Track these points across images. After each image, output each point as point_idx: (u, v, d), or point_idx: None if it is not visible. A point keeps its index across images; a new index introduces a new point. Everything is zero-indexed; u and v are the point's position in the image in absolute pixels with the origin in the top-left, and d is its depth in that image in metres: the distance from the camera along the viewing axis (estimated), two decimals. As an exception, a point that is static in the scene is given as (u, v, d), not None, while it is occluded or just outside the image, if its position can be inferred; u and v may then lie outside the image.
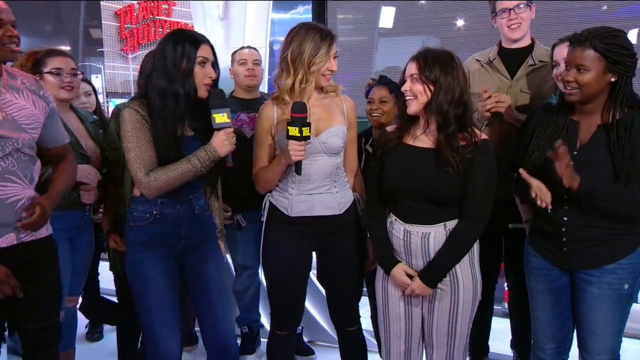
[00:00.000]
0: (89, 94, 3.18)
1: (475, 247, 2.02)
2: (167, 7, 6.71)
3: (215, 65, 2.04)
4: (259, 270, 2.95)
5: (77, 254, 2.49)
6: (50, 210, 1.98)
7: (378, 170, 2.04)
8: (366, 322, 2.62)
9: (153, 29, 6.72)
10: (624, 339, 2.02)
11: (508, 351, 2.83)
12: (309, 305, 3.28)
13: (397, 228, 2.01)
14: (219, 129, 1.96)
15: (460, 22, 3.73)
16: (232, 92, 3.01)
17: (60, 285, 2.12)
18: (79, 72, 2.47)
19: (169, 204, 2.06)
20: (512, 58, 2.48)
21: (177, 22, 6.75)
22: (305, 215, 2.14)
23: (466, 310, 2.00)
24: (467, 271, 2.00)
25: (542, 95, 2.42)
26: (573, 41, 1.87)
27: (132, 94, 4.41)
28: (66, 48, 7.95)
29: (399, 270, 2.00)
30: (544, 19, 3.19)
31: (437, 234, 1.96)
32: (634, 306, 2.05)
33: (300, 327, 3.16)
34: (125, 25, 6.63)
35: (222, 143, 1.96)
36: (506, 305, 2.96)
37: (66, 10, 7.78)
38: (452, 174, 1.89)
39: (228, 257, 2.31)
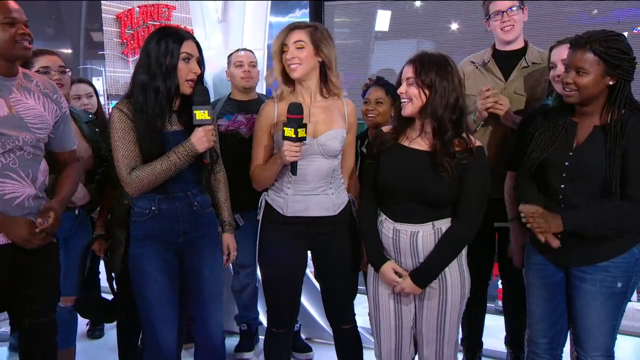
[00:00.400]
0: (91, 96, 3.18)
1: None
2: (166, 10, 6.70)
3: (200, 61, 2.04)
4: (257, 269, 2.94)
5: (70, 254, 2.47)
6: (61, 214, 1.99)
7: (373, 170, 2.04)
8: (363, 320, 2.62)
9: (153, 32, 6.70)
10: (618, 336, 2.02)
11: (502, 348, 2.83)
12: (306, 303, 3.28)
13: (387, 227, 2.02)
14: (198, 125, 1.98)
15: (454, 26, 3.74)
16: (229, 95, 3.01)
17: (59, 284, 2.12)
18: (67, 69, 2.46)
19: (166, 200, 2.07)
20: (505, 60, 2.49)
21: (177, 26, 6.74)
22: (300, 215, 2.13)
23: (454, 308, 2.01)
24: (455, 270, 2.00)
25: (535, 97, 2.43)
26: (573, 44, 1.87)
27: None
28: (67, 51, 7.94)
29: (387, 268, 2.01)
30: (536, 22, 3.20)
31: (425, 233, 1.96)
32: (629, 304, 2.05)
33: (297, 325, 3.16)
34: (126, 29, 6.62)
35: (200, 139, 1.98)
36: (500, 302, 2.96)
37: (67, 13, 7.78)
38: (447, 178, 1.89)
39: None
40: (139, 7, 6.64)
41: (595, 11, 3.23)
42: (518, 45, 2.49)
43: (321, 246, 2.20)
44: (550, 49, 2.20)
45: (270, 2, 3.47)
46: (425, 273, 1.96)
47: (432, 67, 1.87)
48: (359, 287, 2.37)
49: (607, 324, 1.94)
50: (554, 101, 2.24)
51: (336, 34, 4.06)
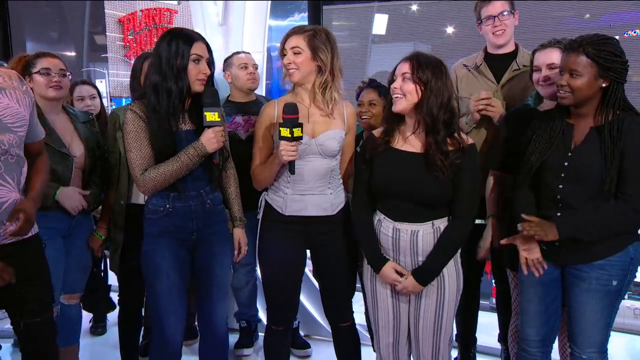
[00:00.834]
0: (94, 97, 3.18)
1: None
2: (168, 14, 6.71)
3: (210, 62, 2.06)
4: (256, 267, 2.95)
5: (72, 252, 2.45)
6: (35, 212, 1.92)
7: (366, 174, 2.04)
8: (360, 317, 2.62)
9: (155, 35, 6.72)
10: (611, 333, 2.03)
11: (496, 344, 2.84)
12: (305, 300, 3.28)
13: (386, 226, 2.02)
14: (208, 127, 1.99)
15: (450, 29, 3.75)
16: (227, 96, 3.01)
17: (51, 281, 2.08)
18: (68, 73, 2.44)
19: (180, 198, 2.08)
20: (497, 63, 2.51)
21: (179, 29, 6.74)
22: (299, 215, 2.14)
23: (451, 304, 2.02)
24: (452, 267, 2.01)
25: (526, 99, 2.43)
26: (567, 47, 1.88)
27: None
28: (71, 53, 7.94)
29: (388, 269, 2.01)
30: (529, 26, 3.21)
31: (425, 232, 1.97)
32: (621, 302, 2.05)
33: (296, 322, 3.16)
34: (129, 32, 6.63)
35: (209, 140, 1.99)
36: (494, 300, 2.97)
37: (71, 17, 7.77)
38: (442, 178, 1.89)
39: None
40: (141, 10, 6.65)
41: (588, 15, 3.25)
42: (509, 48, 2.51)
43: (319, 245, 2.21)
44: (533, 53, 2.20)
45: (269, 3, 3.47)
46: (428, 271, 1.97)
47: (428, 66, 1.89)
48: (358, 285, 2.38)
49: (602, 321, 1.94)
50: (534, 101, 2.26)
51: (335, 37, 4.07)
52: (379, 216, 2.06)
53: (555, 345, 2.17)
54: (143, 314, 3.15)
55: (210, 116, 1.99)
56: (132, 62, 2.58)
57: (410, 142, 1.99)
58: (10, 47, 4.57)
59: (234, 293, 3.11)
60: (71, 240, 2.45)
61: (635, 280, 3.42)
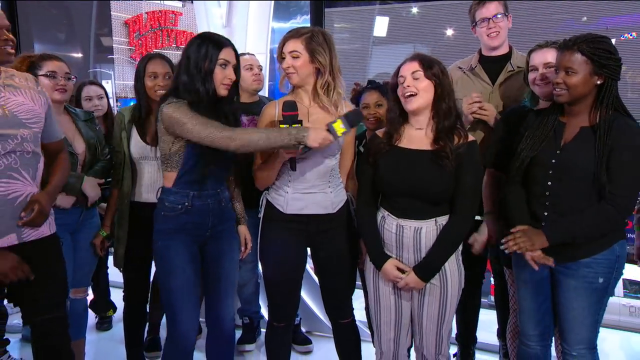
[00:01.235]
0: (101, 97, 3.19)
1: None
2: (173, 16, 6.72)
3: (236, 68, 2.06)
4: (259, 264, 2.95)
5: (80, 248, 2.48)
6: (50, 206, 1.97)
7: (371, 174, 2.05)
8: (360, 314, 2.63)
9: (160, 37, 6.73)
10: (602, 329, 2.03)
11: (495, 340, 2.84)
12: (306, 297, 3.29)
13: (390, 223, 2.02)
14: (328, 130, 1.95)
15: (449, 32, 3.75)
16: None
17: (66, 278, 2.11)
18: (72, 77, 2.46)
19: (200, 196, 2.09)
20: (492, 65, 2.51)
21: (183, 31, 6.76)
22: (300, 213, 2.14)
23: (453, 300, 2.03)
24: (453, 264, 2.02)
25: (521, 99, 2.44)
26: (562, 46, 1.90)
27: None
28: (78, 55, 7.96)
29: (390, 266, 2.01)
30: (528, 28, 3.22)
31: (428, 229, 1.97)
32: (611, 299, 2.06)
33: (298, 318, 3.17)
34: (134, 34, 6.64)
35: (318, 136, 1.92)
36: (492, 297, 2.97)
37: (78, 19, 7.79)
38: (446, 168, 1.90)
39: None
40: (146, 13, 6.66)
41: (585, 18, 3.25)
42: (503, 50, 2.51)
43: (320, 243, 2.21)
44: (529, 53, 2.21)
45: (272, 5, 3.48)
46: (429, 267, 1.98)
47: (434, 63, 1.94)
48: (357, 282, 2.38)
49: (589, 318, 1.95)
50: (530, 102, 2.26)
51: (336, 39, 4.07)
52: (382, 213, 2.06)
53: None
54: (148, 310, 3.17)
55: (339, 127, 1.94)
56: (137, 63, 2.58)
57: (415, 140, 2.00)
58: (18, 48, 4.58)
59: (237, 290, 3.12)
60: (78, 236, 2.48)
61: (632, 278, 3.45)
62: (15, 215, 1.88)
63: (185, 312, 2.09)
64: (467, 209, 1.97)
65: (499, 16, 2.43)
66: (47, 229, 2.01)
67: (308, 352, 3.10)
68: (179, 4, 6.88)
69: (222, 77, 2.02)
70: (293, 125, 1.96)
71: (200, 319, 3.05)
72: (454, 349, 2.76)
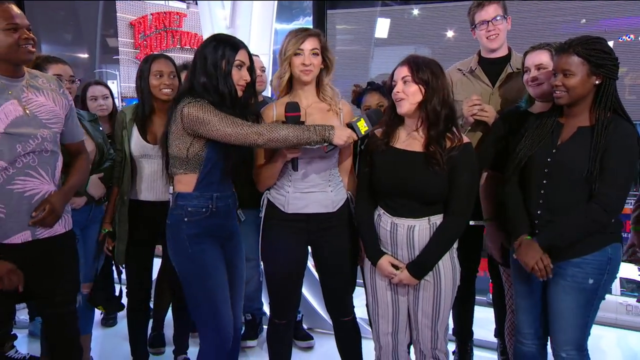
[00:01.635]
0: (107, 97, 3.19)
1: None
2: (178, 18, 6.73)
3: (251, 69, 2.06)
4: (260, 262, 2.95)
5: (87, 243, 2.51)
6: (63, 206, 1.98)
7: (368, 173, 2.07)
8: (362, 311, 2.63)
9: (165, 38, 6.74)
10: (599, 327, 2.02)
11: (493, 338, 2.84)
12: (308, 294, 3.30)
13: (385, 220, 2.04)
14: (352, 127, 1.97)
15: (450, 33, 3.75)
16: None
17: (78, 275, 2.14)
18: (76, 80, 2.49)
19: (221, 198, 2.08)
20: (492, 67, 2.51)
21: (187, 32, 6.77)
22: (300, 212, 2.14)
23: (447, 297, 2.04)
24: (447, 262, 2.03)
25: (520, 101, 2.44)
26: (558, 50, 1.91)
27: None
28: (84, 55, 7.98)
29: (384, 262, 2.03)
30: (527, 31, 3.21)
31: (421, 227, 1.99)
32: (608, 297, 2.05)
33: (300, 315, 3.17)
34: (139, 35, 6.65)
35: (343, 134, 1.94)
36: (490, 296, 2.97)
37: (84, 20, 7.81)
38: (438, 172, 1.92)
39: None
40: (151, 14, 6.67)
41: (584, 20, 3.24)
42: (502, 52, 2.51)
43: (320, 241, 2.21)
44: (525, 54, 2.21)
45: (275, 5, 3.48)
46: (421, 266, 1.99)
47: (426, 66, 1.92)
48: (358, 280, 2.38)
49: (578, 319, 1.94)
50: (527, 102, 2.27)
51: (338, 40, 4.08)
52: (379, 211, 2.08)
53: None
54: (152, 307, 3.17)
55: (362, 125, 1.97)
56: (140, 62, 2.58)
57: (410, 141, 2.01)
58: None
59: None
60: (88, 232, 2.51)
61: (628, 277, 3.45)
62: (31, 213, 1.91)
63: (225, 308, 2.07)
64: (462, 210, 1.98)
65: (498, 18, 2.43)
66: (62, 227, 2.04)
67: (309, 348, 3.11)
68: (184, 5, 6.90)
69: (238, 78, 2.01)
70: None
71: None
72: (453, 346, 2.77)
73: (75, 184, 2.09)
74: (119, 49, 6.55)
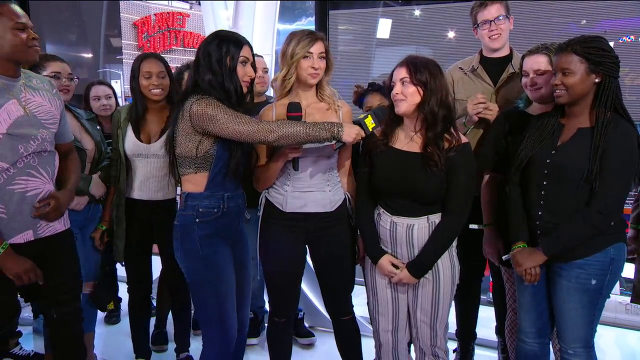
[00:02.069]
0: (110, 97, 3.20)
1: None
2: (181, 18, 6.73)
3: (253, 65, 2.05)
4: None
5: (87, 242, 2.50)
6: (67, 205, 2.00)
7: (367, 173, 2.07)
8: (362, 309, 2.63)
9: (168, 38, 6.75)
10: (598, 326, 2.02)
11: (493, 337, 2.84)
12: (309, 293, 3.30)
13: (384, 219, 2.04)
14: (359, 124, 1.96)
15: (451, 34, 3.75)
16: None
17: (80, 273, 2.14)
18: (75, 77, 2.49)
19: (232, 197, 2.05)
20: (493, 66, 2.51)
21: (190, 32, 6.78)
22: (299, 211, 2.14)
23: (446, 295, 2.04)
24: (446, 261, 2.03)
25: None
26: (557, 50, 1.91)
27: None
28: (88, 55, 7.99)
29: (385, 261, 2.03)
30: (528, 32, 3.21)
31: (420, 226, 1.99)
32: (612, 296, 2.05)
33: (301, 313, 3.18)
34: (143, 35, 6.66)
35: (352, 131, 1.93)
36: (491, 294, 2.97)
37: (88, 20, 7.82)
38: (436, 172, 1.92)
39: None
40: (155, 15, 6.67)
41: (584, 21, 3.24)
42: (504, 52, 2.51)
43: (318, 241, 2.20)
44: (523, 58, 2.21)
45: (278, 5, 3.48)
46: (421, 265, 1.99)
47: (424, 68, 1.92)
48: (358, 279, 2.38)
49: (584, 317, 1.94)
50: (525, 103, 2.27)
51: (340, 40, 4.08)
52: (378, 210, 2.09)
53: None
54: (155, 305, 3.18)
55: (369, 122, 1.96)
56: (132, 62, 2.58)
57: (408, 142, 2.01)
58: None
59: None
60: (86, 231, 2.51)
61: (627, 277, 3.44)
62: (33, 212, 1.91)
63: (232, 314, 2.06)
64: (460, 209, 1.98)
65: (500, 18, 2.43)
66: (62, 225, 2.04)
67: (311, 345, 3.11)
68: (187, 5, 6.90)
69: (242, 74, 2.00)
70: None
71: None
72: (454, 345, 2.77)
73: (76, 183, 2.10)
74: (123, 49, 6.56)
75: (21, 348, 2.93)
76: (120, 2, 6.42)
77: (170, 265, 2.53)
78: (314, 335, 3.15)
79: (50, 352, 2.19)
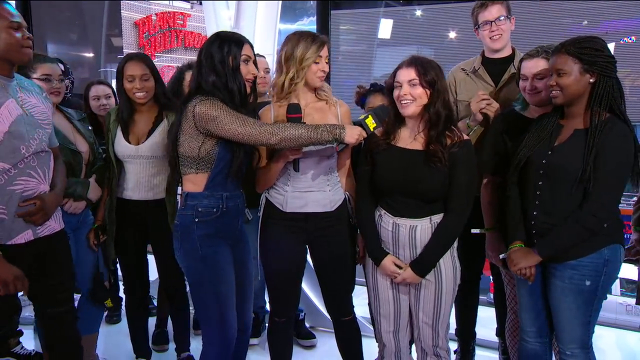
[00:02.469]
0: (109, 97, 3.20)
1: None
2: (182, 17, 6.73)
3: (255, 64, 2.06)
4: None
5: (80, 246, 2.47)
6: (54, 208, 1.98)
7: (368, 172, 2.07)
8: (363, 310, 2.63)
9: (169, 38, 6.75)
10: (598, 327, 2.03)
11: (494, 338, 2.84)
12: (310, 293, 3.30)
13: (386, 221, 2.04)
14: (361, 125, 1.96)
15: (452, 34, 3.75)
16: None
17: (74, 273, 2.15)
18: (66, 79, 2.48)
19: (231, 197, 2.06)
20: (495, 67, 2.51)
21: (191, 32, 6.78)
22: (299, 211, 2.14)
23: (448, 295, 2.05)
24: (448, 261, 2.03)
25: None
26: (552, 52, 1.93)
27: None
28: (89, 55, 7.99)
29: (388, 262, 2.04)
30: (530, 33, 3.21)
31: (423, 227, 1.99)
32: (608, 297, 2.05)
33: (302, 314, 3.18)
34: (144, 35, 6.65)
35: (353, 132, 1.93)
36: (492, 295, 2.97)
37: (90, 20, 7.83)
38: (440, 168, 1.93)
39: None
40: (156, 14, 6.67)
41: (585, 22, 3.24)
42: (506, 52, 2.51)
43: (318, 241, 2.20)
44: (521, 61, 2.22)
45: (280, 4, 3.48)
46: (424, 263, 2.00)
47: (431, 69, 1.94)
48: (359, 279, 2.38)
49: (579, 318, 1.94)
50: (522, 105, 2.27)
51: (341, 40, 4.09)
52: (380, 211, 2.08)
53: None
54: (156, 304, 3.18)
55: (370, 122, 1.95)
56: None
57: (410, 140, 2.02)
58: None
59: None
60: (78, 235, 2.47)
61: (628, 277, 3.44)
62: (16, 211, 1.88)
63: (232, 312, 2.06)
64: (461, 207, 1.99)
65: (501, 19, 2.43)
66: (58, 224, 2.04)
67: (312, 347, 3.11)
68: (188, 5, 6.90)
69: (246, 73, 2.00)
70: None
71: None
72: (455, 345, 2.77)
73: (63, 186, 2.08)
74: (124, 48, 6.55)
75: (22, 347, 2.93)
76: (121, 1, 6.42)
77: (165, 265, 2.54)
78: (314, 337, 3.16)
79: (47, 352, 2.19)
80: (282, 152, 2.04)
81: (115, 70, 2.58)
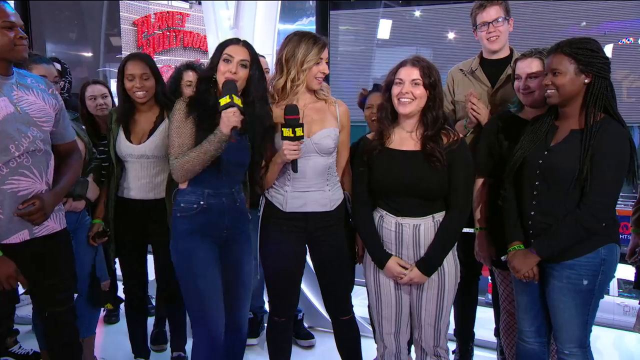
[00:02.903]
0: (105, 96, 3.18)
1: None
2: (180, 17, 6.74)
3: (246, 65, 2.04)
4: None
5: (80, 246, 2.45)
6: (53, 206, 1.96)
7: (365, 175, 2.07)
8: (362, 310, 2.63)
9: (168, 37, 6.75)
10: (596, 327, 2.03)
11: (492, 338, 2.84)
12: (309, 293, 3.30)
13: (388, 221, 2.04)
14: (225, 109, 1.95)
15: (451, 35, 3.76)
16: None
17: (75, 274, 2.14)
18: (62, 80, 2.47)
19: (214, 195, 2.06)
20: (492, 68, 2.52)
21: (190, 32, 6.78)
22: (299, 211, 2.14)
23: (450, 294, 2.06)
24: (451, 260, 2.04)
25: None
26: (548, 52, 1.95)
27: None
28: (88, 54, 7.99)
29: (393, 263, 2.03)
30: (529, 34, 3.21)
31: (426, 226, 2.00)
32: (606, 297, 2.05)
33: (301, 314, 3.18)
34: (142, 34, 6.65)
35: (223, 122, 1.93)
36: (490, 296, 2.98)
37: (89, 19, 7.83)
38: (439, 168, 1.94)
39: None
40: (155, 14, 6.67)
41: (584, 23, 3.25)
42: (504, 53, 2.52)
43: (318, 240, 2.20)
44: (515, 62, 2.23)
45: (279, 5, 3.48)
46: (431, 262, 2.00)
47: (434, 72, 1.97)
48: (358, 279, 2.38)
49: (577, 318, 1.95)
50: (517, 107, 2.28)
51: (340, 41, 4.09)
52: (380, 212, 2.08)
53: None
54: (154, 304, 3.18)
55: (223, 101, 1.94)
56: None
57: (405, 141, 2.02)
58: (30, 48, 4.59)
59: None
60: (76, 235, 2.45)
61: (625, 278, 3.45)
62: (15, 212, 1.88)
63: (216, 314, 2.06)
64: (463, 203, 2.01)
65: (499, 20, 2.44)
66: (58, 224, 2.03)
67: (310, 347, 3.11)
68: (186, 5, 6.90)
69: (224, 71, 2.01)
70: (296, 129, 1.97)
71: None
72: (453, 346, 2.77)
73: (67, 185, 2.06)
74: (122, 48, 6.55)
75: (20, 347, 2.93)
76: (120, 1, 6.42)
77: (163, 265, 2.53)
78: (313, 337, 3.15)
79: (45, 349, 2.19)
80: (278, 153, 2.05)
81: (113, 69, 2.58)
